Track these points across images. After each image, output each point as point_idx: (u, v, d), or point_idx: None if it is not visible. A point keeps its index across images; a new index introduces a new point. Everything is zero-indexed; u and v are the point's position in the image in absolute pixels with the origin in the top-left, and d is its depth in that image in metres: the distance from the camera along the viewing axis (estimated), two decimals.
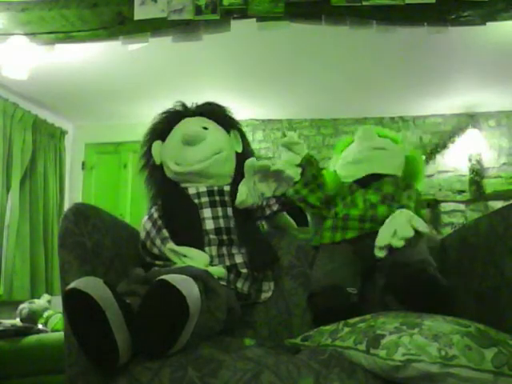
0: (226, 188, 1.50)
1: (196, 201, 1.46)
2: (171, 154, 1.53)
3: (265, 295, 1.47)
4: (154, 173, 1.59)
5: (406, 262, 1.27)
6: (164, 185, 1.56)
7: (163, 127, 1.60)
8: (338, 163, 1.73)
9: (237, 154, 1.59)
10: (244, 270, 1.38)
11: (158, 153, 1.57)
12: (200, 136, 1.51)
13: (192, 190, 1.48)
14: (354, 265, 1.41)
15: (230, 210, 1.45)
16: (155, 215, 1.45)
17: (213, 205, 1.45)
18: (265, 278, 1.48)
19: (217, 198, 1.47)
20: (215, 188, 1.49)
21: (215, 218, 1.42)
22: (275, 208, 1.56)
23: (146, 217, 1.47)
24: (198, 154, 1.50)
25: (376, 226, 1.44)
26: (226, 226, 1.42)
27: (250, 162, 1.42)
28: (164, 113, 1.63)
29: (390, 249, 1.35)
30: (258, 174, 1.43)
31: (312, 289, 1.37)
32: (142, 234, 1.43)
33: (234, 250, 1.41)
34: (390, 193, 1.54)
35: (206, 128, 1.54)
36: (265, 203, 1.52)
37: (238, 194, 1.42)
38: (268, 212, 1.55)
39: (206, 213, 1.43)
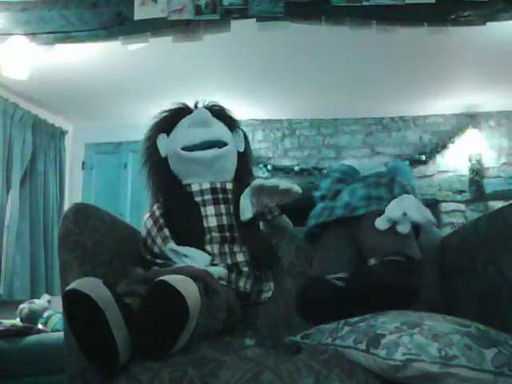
0: (229, 186, 1.51)
1: (199, 198, 1.46)
2: (178, 140, 1.54)
3: (265, 295, 1.47)
4: (158, 167, 1.59)
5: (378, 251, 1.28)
6: (166, 181, 1.56)
7: (168, 122, 1.61)
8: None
9: (238, 153, 1.60)
10: (245, 269, 1.38)
11: (163, 145, 1.58)
12: (209, 119, 1.54)
13: (195, 187, 1.49)
14: (348, 248, 1.41)
15: (232, 208, 1.45)
16: (157, 213, 1.45)
17: (216, 202, 1.46)
18: (266, 279, 1.49)
19: (220, 196, 1.47)
20: (218, 185, 1.49)
21: (218, 215, 1.43)
22: (276, 213, 1.59)
23: (148, 214, 1.47)
24: (206, 134, 1.52)
25: (358, 207, 1.44)
26: (229, 224, 1.43)
27: (258, 183, 1.42)
28: (168, 110, 1.64)
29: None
30: (264, 192, 1.44)
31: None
32: (143, 232, 1.43)
33: (236, 249, 1.41)
34: (371, 181, 1.55)
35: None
36: (267, 210, 1.53)
37: (243, 209, 1.42)
38: (269, 217, 1.59)
39: (209, 210, 1.44)
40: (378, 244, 1.30)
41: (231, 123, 1.64)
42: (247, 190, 1.43)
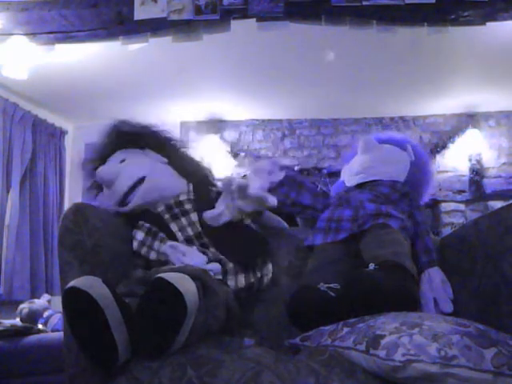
0: (183, 197, 1.49)
1: (167, 215, 1.45)
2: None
3: (267, 278, 1.45)
4: None
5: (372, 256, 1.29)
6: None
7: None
8: (345, 173, 1.75)
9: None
10: (230, 265, 1.34)
11: None
12: (113, 175, 1.50)
13: (160, 207, 1.47)
14: (343, 262, 1.42)
15: (193, 216, 1.44)
16: (146, 225, 1.42)
17: (174, 218, 1.44)
18: (262, 264, 1.46)
19: (176, 211, 1.46)
20: (172, 201, 1.48)
21: (181, 229, 1.42)
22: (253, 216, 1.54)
23: (135, 230, 1.43)
24: (115, 189, 1.49)
25: (366, 222, 1.44)
26: (195, 232, 1.41)
27: (227, 179, 1.41)
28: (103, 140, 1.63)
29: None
30: (235, 193, 1.41)
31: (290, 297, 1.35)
32: (135, 245, 1.40)
33: (212, 249, 1.39)
34: (383, 193, 1.55)
35: (123, 160, 1.54)
36: (244, 215, 1.47)
37: (216, 215, 1.40)
38: (248, 221, 1.50)
39: (173, 227, 1.42)
40: (378, 253, 1.30)
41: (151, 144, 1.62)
42: (222, 194, 1.42)
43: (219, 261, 1.35)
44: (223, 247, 1.39)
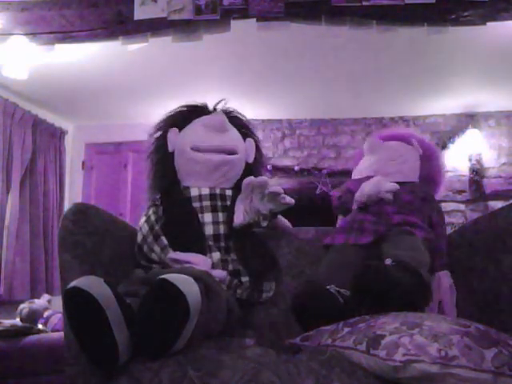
0: (228, 192, 1.48)
1: (197, 204, 1.43)
2: (190, 139, 1.50)
3: (266, 295, 1.45)
4: (162, 161, 1.55)
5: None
6: (167, 180, 1.53)
7: (183, 117, 1.58)
8: (356, 176, 1.76)
9: (246, 163, 1.58)
10: (246, 279, 1.36)
11: (172, 140, 1.54)
12: (225, 125, 1.51)
13: (194, 192, 1.46)
14: (357, 266, 1.40)
15: (231, 215, 1.42)
16: (152, 218, 1.40)
17: (214, 209, 1.43)
18: (266, 279, 1.47)
19: (218, 203, 1.44)
20: (217, 192, 1.47)
21: (215, 223, 1.40)
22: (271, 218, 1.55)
23: (144, 218, 1.42)
24: (220, 139, 1.49)
25: (391, 228, 1.44)
26: (225, 233, 1.40)
27: (247, 180, 1.39)
28: (185, 105, 1.61)
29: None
30: (255, 192, 1.40)
31: (297, 290, 1.35)
32: (139, 237, 1.38)
33: (235, 257, 1.40)
34: (407, 201, 1.54)
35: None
36: (261, 217, 1.46)
37: (235, 215, 1.39)
38: (264, 224, 1.49)
39: (207, 217, 1.41)
40: (397, 253, 1.29)
41: (245, 131, 1.62)
42: (241, 194, 1.41)
43: (238, 271, 1.35)
44: (242, 258, 1.38)
